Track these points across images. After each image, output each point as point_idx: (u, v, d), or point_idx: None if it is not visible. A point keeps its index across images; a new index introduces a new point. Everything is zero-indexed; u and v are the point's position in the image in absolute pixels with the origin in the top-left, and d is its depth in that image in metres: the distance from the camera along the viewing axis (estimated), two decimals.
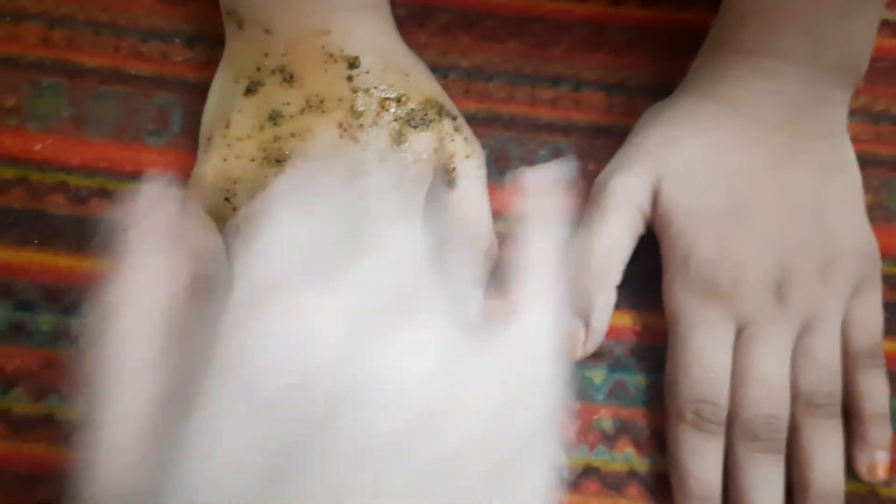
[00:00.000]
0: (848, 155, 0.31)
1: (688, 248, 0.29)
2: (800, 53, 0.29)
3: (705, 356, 0.28)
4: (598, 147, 0.34)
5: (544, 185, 0.23)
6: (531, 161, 0.33)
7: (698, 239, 0.29)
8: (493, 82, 0.34)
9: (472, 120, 0.33)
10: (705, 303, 0.29)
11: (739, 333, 0.29)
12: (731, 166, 0.30)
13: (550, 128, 0.34)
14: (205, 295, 0.22)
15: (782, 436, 0.28)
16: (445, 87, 0.32)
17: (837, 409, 0.29)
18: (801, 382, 0.29)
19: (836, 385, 0.29)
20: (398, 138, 0.29)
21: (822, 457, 0.28)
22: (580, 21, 0.36)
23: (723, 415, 0.28)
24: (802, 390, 0.28)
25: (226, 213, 0.29)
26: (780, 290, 0.29)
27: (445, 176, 0.30)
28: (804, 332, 0.29)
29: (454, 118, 0.31)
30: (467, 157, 0.30)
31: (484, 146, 0.32)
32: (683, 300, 0.29)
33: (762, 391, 0.28)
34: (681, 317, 0.29)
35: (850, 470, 0.29)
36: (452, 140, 0.30)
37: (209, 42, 0.34)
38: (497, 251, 0.31)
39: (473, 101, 0.34)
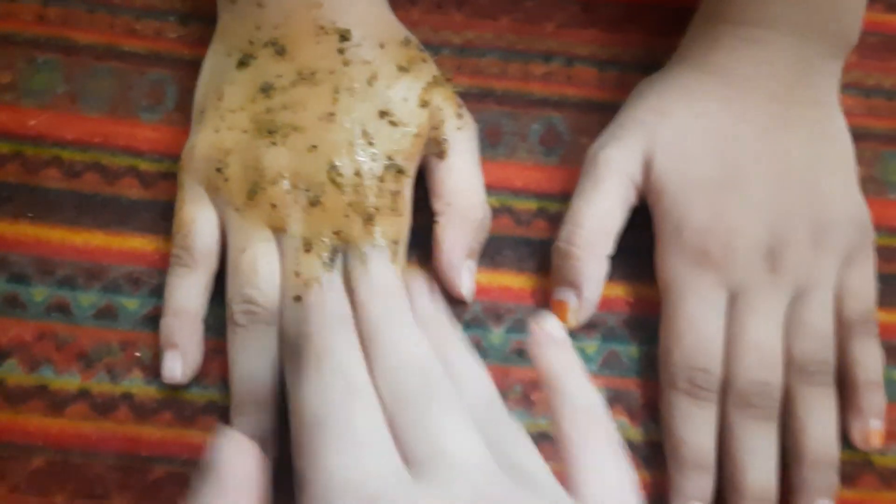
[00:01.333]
0: (839, 124, 0.31)
1: (680, 217, 0.29)
2: (790, 22, 0.29)
3: (698, 324, 0.28)
4: (591, 122, 0.34)
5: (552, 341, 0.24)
6: (524, 135, 0.33)
7: (690, 207, 0.29)
8: (485, 58, 0.35)
9: (464, 95, 0.33)
10: (697, 271, 0.29)
11: (732, 301, 0.29)
12: (722, 135, 0.30)
13: (543, 103, 0.34)
14: None
15: (775, 402, 0.28)
16: (438, 64, 0.32)
17: (831, 377, 0.29)
18: (795, 349, 0.28)
19: (829, 352, 0.29)
20: (389, 109, 0.29)
21: (816, 424, 0.28)
22: None
23: (716, 382, 0.28)
24: (796, 357, 0.28)
25: (218, 183, 0.29)
26: (773, 258, 0.29)
27: (436, 147, 0.30)
28: (797, 299, 0.29)
29: (446, 89, 0.31)
30: (459, 129, 0.30)
31: (477, 121, 0.32)
32: (676, 268, 0.29)
33: (755, 358, 0.28)
34: (673, 285, 0.29)
35: (845, 439, 0.29)
36: (442, 109, 0.30)
37: (203, 19, 0.34)
38: (490, 222, 0.31)
39: (466, 77, 0.34)
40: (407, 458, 0.20)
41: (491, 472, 0.19)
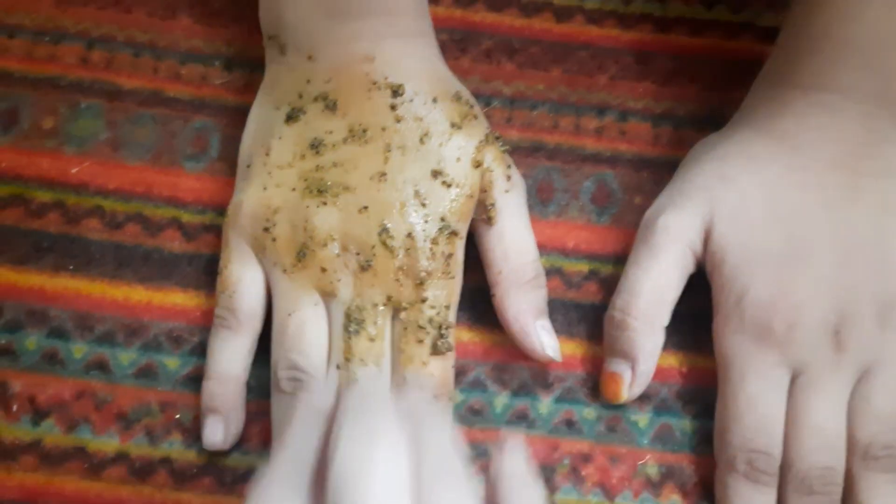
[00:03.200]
0: None
1: (741, 290, 0.28)
2: (862, 89, 0.28)
3: (759, 404, 0.27)
4: (644, 179, 0.33)
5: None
6: (575, 192, 0.32)
7: (752, 280, 0.28)
8: (536, 111, 0.34)
9: (515, 149, 0.32)
10: (759, 347, 0.28)
11: (794, 380, 0.28)
12: (787, 205, 0.29)
13: (595, 158, 0.33)
14: None
15: (838, 488, 0.27)
16: (488, 116, 0.31)
17: (895, 462, 0.28)
18: (859, 433, 0.27)
19: (894, 436, 0.28)
20: (442, 169, 0.28)
21: None
22: (626, 48, 0.35)
23: (776, 465, 0.27)
24: (860, 441, 0.27)
25: (265, 243, 0.28)
26: (838, 336, 0.28)
27: (484, 212, 0.29)
28: (862, 379, 0.28)
29: (496, 148, 0.30)
30: (507, 191, 0.29)
31: (527, 177, 0.31)
32: (736, 344, 0.28)
33: (818, 441, 0.27)
34: (733, 361, 0.28)
35: None
36: (492, 171, 0.29)
37: (249, 65, 0.33)
38: (545, 281, 0.30)
39: (516, 129, 0.33)
40: None
41: None
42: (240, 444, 0.28)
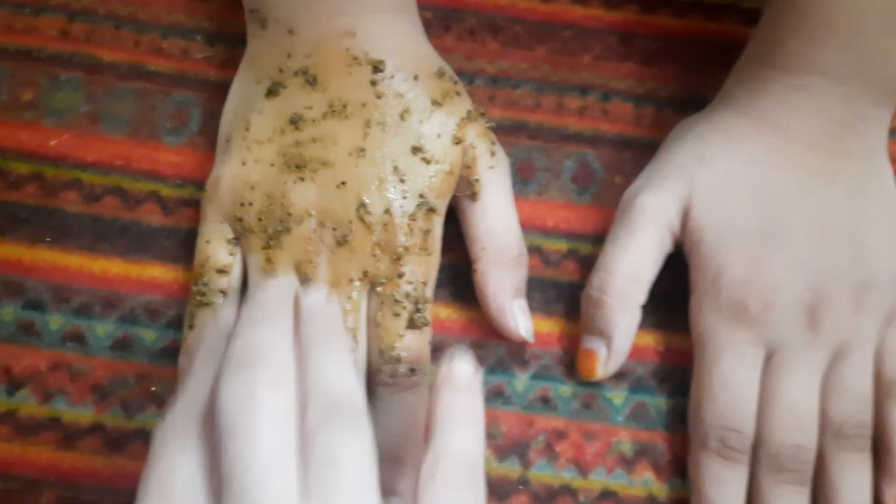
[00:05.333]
0: (887, 177, 0.30)
1: (718, 269, 0.28)
2: (841, 70, 0.28)
3: (733, 382, 0.28)
4: (625, 159, 0.33)
5: (461, 383, 0.22)
6: (556, 171, 0.32)
7: (729, 260, 0.28)
8: (519, 90, 0.34)
9: (496, 128, 0.32)
10: (734, 326, 0.28)
11: (768, 359, 0.28)
12: (765, 186, 0.29)
13: (577, 138, 0.33)
14: None
15: (809, 466, 0.27)
16: (470, 94, 0.31)
17: (867, 441, 0.28)
18: (831, 412, 0.28)
19: (866, 415, 0.28)
20: (422, 146, 0.28)
21: (850, 490, 0.27)
22: (610, 29, 0.35)
23: (748, 443, 0.27)
24: (832, 420, 0.27)
25: (243, 217, 0.28)
26: (813, 316, 0.28)
27: (468, 188, 0.29)
28: (836, 359, 0.28)
29: (479, 125, 0.30)
30: (491, 167, 0.29)
31: (508, 155, 0.31)
32: (712, 323, 0.28)
33: (790, 419, 0.27)
34: (708, 340, 0.28)
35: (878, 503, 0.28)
36: (475, 147, 0.29)
37: (230, 40, 0.33)
38: (527, 259, 0.30)
39: (498, 108, 0.33)
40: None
41: None
42: None
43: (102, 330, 0.29)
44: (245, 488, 0.18)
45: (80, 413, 0.28)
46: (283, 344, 0.21)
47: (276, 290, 0.23)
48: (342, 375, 0.21)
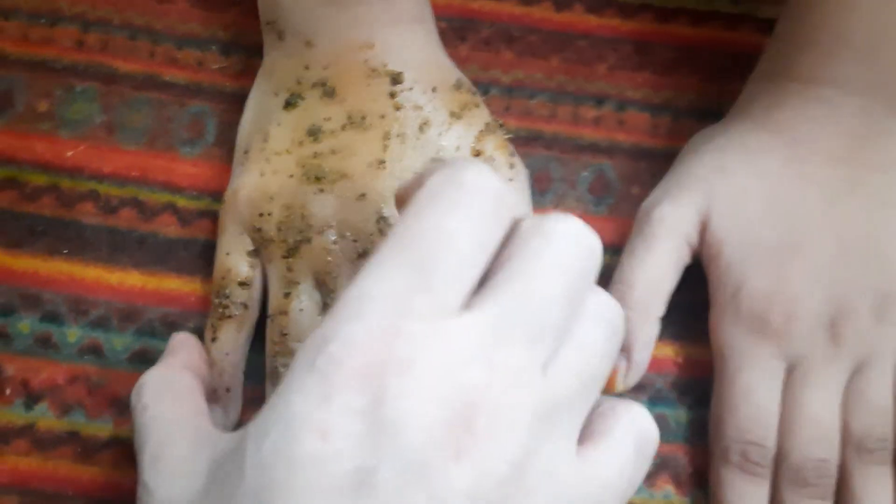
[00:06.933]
0: None
1: (738, 282, 0.28)
2: (859, 82, 0.28)
3: (754, 395, 0.27)
4: (642, 170, 0.33)
5: None
6: (573, 182, 0.32)
7: (749, 272, 0.28)
8: (534, 100, 0.33)
9: (513, 138, 0.32)
10: (755, 339, 0.28)
11: (790, 372, 0.28)
12: (784, 198, 0.29)
13: (593, 148, 0.33)
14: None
15: (832, 480, 0.27)
16: (486, 104, 0.31)
17: (889, 455, 0.28)
18: (853, 425, 0.27)
19: (889, 429, 0.28)
20: (441, 158, 0.28)
21: (873, 503, 0.27)
22: (626, 38, 0.35)
23: (770, 457, 0.27)
24: (854, 433, 0.27)
25: (262, 229, 0.28)
26: (834, 329, 0.28)
27: None
28: (857, 372, 0.28)
29: (498, 137, 0.30)
30: (510, 180, 0.29)
31: (525, 166, 0.31)
32: (732, 336, 0.28)
33: (812, 433, 0.27)
34: (729, 353, 0.28)
35: None
36: (494, 160, 0.29)
37: (246, 50, 0.33)
38: None
39: (514, 118, 0.33)
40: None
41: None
42: (236, 429, 0.28)
43: (120, 342, 0.29)
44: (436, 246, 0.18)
45: (99, 426, 0.28)
46: None
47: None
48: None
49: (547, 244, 0.19)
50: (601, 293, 0.21)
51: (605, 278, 0.30)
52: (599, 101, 0.34)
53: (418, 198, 0.19)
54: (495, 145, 0.29)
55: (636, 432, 0.21)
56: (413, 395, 0.17)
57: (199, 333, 0.29)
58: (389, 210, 0.28)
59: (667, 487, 0.29)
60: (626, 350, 0.29)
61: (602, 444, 0.20)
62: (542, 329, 0.18)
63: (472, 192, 0.19)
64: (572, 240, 0.20)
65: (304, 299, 0.27)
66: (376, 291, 0.18)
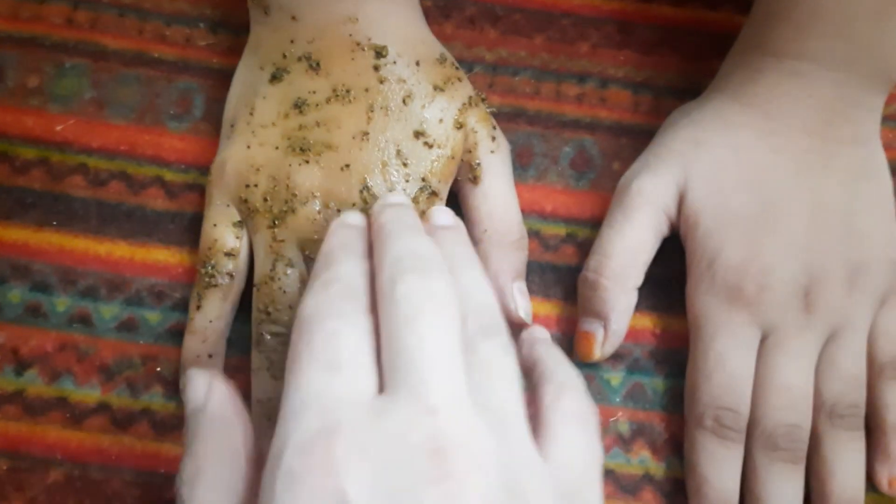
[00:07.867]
0: (879, 161, 0.30)
1: (714, 252, 0.29)
2: (833, 57, 0.29)
3: (728, 362, 0.28)
4: (623, 146, 0.33)
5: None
6: (555, 157, 0.33)
7: (725, 242, 0.29)
8: (518, 77, 0.34)
9: (496, 115, 0.32)
10: (730, 308, 0.28)
11: (763, 340, 0.28)
12: (759, 170, 0.29)
13: (575, 125, 0.34)
14: None
15: (803, 445, 0.28)
16: (470, 81, 0.31)
17: (860, 421, 0.28)
18: (825, 392, 0.28)
19: (860, 396, 0.28)
20: (424, 130, 0.29)
21: (843, 469, 0.28)
22: (608, 17, 0.35)
23: (743, 422, 0.28)
24: (826, 400, 0.28)
25: (248, 200, 0.28)
26: (807, 298, 0.28)
27: (470, 172, 0.30)
28: (830, 340, 0.28)
29: (481, 110, 0.30)
30: (492, 152, 0.30)
31: (508, 141, 0.32)
32: (707, 304, 0.29)
33: (784, 399, 0.28)
34: (704, 321, 0.29)
35: (871, 483, 0.29)
36: (476, 132, 0.30)
37: (234, 27, 0.33)
38: (527, 241, 0.30)
39: (498, 95, 0.34)
40: (384, 368, 0.19)
41: (458, 409, 0.18)
42: None
43: (108, 312, 0.30)
44: (419, 368, 0.19)
45: (87, 393, 0.29)
46: (437, 254, 0.22)
47: (403, 209, 0.25)
48: (490, 293, 0.23)
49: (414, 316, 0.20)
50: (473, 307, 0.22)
51: (586, 251, 0.31)
52: (582, 78, 0.34)
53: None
54: (478, 118, 0.30)
55: (574, 416, 0.22)
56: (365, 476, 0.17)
57: (186, 303, 0.30)
58: (373, 180, 0.28)
59: (643, 453, 0.30)
60: (603, 319, 0.29)
61: (552, 444, 0.21)
62: (457, 383, 0.19)
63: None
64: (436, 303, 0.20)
65: (290, 269, 0.28)
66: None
